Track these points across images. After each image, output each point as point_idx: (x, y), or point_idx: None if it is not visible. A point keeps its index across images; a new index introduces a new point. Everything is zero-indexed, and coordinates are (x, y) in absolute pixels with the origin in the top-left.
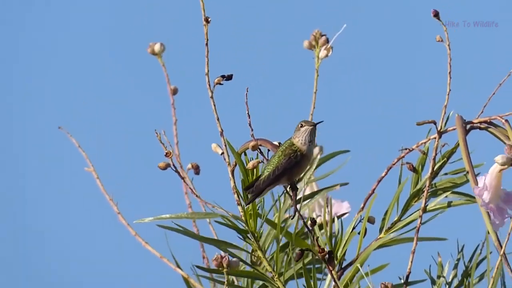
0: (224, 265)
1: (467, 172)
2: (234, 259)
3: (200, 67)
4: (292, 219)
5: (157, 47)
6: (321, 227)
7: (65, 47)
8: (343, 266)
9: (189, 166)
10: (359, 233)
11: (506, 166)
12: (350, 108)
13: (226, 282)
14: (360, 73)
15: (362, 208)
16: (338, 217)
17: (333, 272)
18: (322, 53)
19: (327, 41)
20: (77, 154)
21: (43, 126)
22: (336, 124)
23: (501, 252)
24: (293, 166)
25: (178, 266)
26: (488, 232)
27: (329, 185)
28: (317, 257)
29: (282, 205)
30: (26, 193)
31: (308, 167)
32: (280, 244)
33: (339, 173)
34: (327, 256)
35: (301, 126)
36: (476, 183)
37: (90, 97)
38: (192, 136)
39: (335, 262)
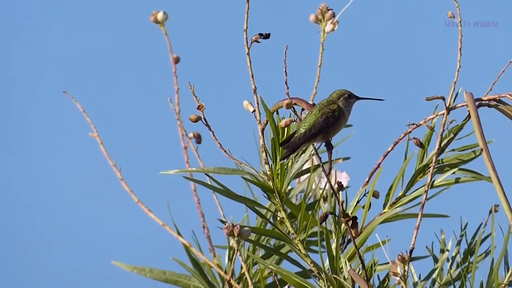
0: (235, 234)
1: (481, 150)
2: (246, 228)
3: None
4: (328, 176)
5: (160, 16)
6: (325, 199)
7: (70, 13)
8: (346, 240)
9: (191, 135)
10: (363, 207)
11: None
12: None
13: (237, 251)
14: (367, 48)
15: (367, 182)
16: (340, 189)
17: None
18: (328, 27)
19: (334, 15)
20: (82, 119)
21: (48, 90)
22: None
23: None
24: (330, 125)
25: (179, 234)
26: (493, 210)
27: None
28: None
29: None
30: (31, 158)
31: (341, 128)
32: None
33: (346, 148)
34: (351, 221)
35: (347, 96)
36: (491, 161)
37: (95, 64)
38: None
39: (357, 228)
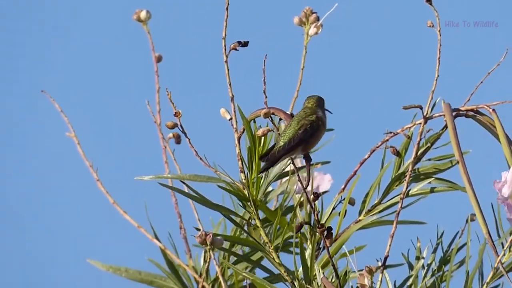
0: (208, 243)
1: (458, 162)
2: (219, 237)
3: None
4: (306, 188)
5: (143, 14)
6: (300, 205)
7: (48, 11)
8: (320, 246)
9: (170, 135)
10: (339, 214)
11: None
12: (337, 88)
13: (209, 260)
14: (348, 53)
15: (343, 189)
16: (319, 195)
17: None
18: (312, 30)
19: (318, 18)
20: (60, 119)
21: (26, 89)
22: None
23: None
24: (309, 136)
25: (156, 237)
26: (469, 220)
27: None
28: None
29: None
30: (6, 158)
31: (321, 138)
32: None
33: (323, 152)
34: (325, 231)
35: (319, 105)
36: (467, 173)
37: (74, 63)
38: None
39: (332, 238)
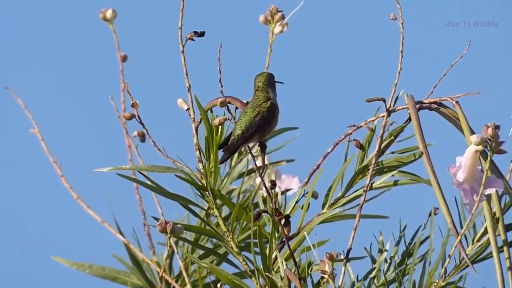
0: (168, 231)
1: (421, 153)
2: (178, 225)
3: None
4: (262, 176)
5: (108, 13)
6: (265, 201)
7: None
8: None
9: (135, 133)
10: (302, 207)
11: (480, 147)
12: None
13: (168, 247)
14: (312, 48)
15: (307, 182)
16: (283, 192)
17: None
18: (277, 28)
19: (283, 17)
20: (23, 115)
21: None
22: (285, 99)
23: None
24: (266, 123)
25: (120, 231)
26: (433, 213)
27: (276, 160)
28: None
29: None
30: None
31: (277, 124)
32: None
33: (286, 149)
34: (283, 219)
35: (269, 83)
36: (431, 164)
37: (39, 60)
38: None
39: (290, 227)
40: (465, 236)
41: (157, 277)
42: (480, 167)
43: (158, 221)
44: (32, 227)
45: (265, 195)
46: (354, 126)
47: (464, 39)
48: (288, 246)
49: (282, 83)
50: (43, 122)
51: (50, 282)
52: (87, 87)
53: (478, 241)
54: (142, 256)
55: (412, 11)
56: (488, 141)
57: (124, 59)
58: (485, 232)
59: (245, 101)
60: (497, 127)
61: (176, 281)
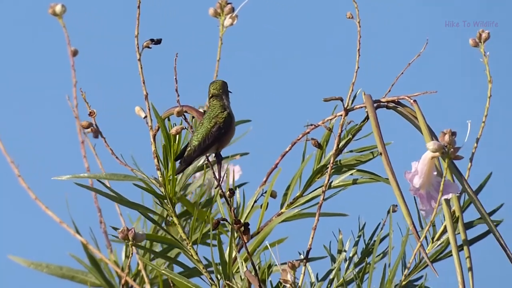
0: (130, 238)
1: (380, 154)
2: (140, 232)
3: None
4: (215, 188)
5: (58, 8)
6: (221, 195)
7: None
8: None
9: (88, 130)
10: (261, 207)
11: (437, 153)
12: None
13: (130, 254)
14: (267, 45)
15: (265, 181)
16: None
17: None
18: (227, 21)
19: (233, 9)
20: None
21: None
22: (240, 95)
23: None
24: (222, 134)
25: (77, 232)
26: (391, 211)
27: (229, 155)
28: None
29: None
30: None
31: (233, 134)
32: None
33: (244, 145)
34: (242, 227)
35: (224, 90)
36: (390, 164)
37: None
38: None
39: (249, 234)
40: (425, 237)
41: (115, 275)
42: (435, 173)
43: (119, 228)
44: None
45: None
46: (311, 125)
47: (464, 39)
48: (248, 253)
49: (230, 92)
50: None
51: (7, 281)
52: (41, 84)
53: (438, 239)
54: (100, 255)
55: (314, 10)
56: (445, 148)
57: (75, 53)
58: (445, 230)
59: (201, 110)
60: (453, 134)
61: (134, 280)
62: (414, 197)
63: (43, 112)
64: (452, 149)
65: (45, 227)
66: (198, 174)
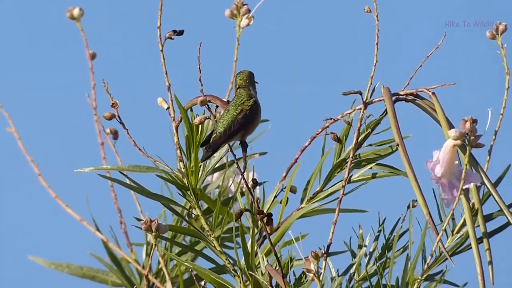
0: (153, 229)
1: (397, 145)
2: (163, 223)
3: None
4: (242, 174)
5: (76, 12)
6: (242, 193)
7: None
8: (262, 235)
9: (108, 131)
10: (280, 202)
11: (459, 141)
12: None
13: (154, 246)
14: (283, 43)
15: (285, 177)
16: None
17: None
18: (244, 22)
19: (249, 10)
20: None
21: None
22: (260, 92)
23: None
24: (249, 121)
25: (98, 229)
26: (411, 206)
27: (249, 154)
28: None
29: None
30: None
31: (259, 122)
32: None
33: (263, 142)
34: (265, 218)
35: (251, 81)
36: (407, 155)
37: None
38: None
39: (272, 225)
40: (445, 229)
41: (136, 274)
42: (457, 162)
43: (142, 220)
44: (9, 227)
45: (243, 189)
46: (330, 119)
47: (464, 39)
48: (271, 243)
49: (257, 83)
50: (19, 120)
51: (28, 282)
52: (61, 85)
53: (457, 232)
54: (121, 253)
55: (331, 5)
56: (466, 135)
57: (93, 57)
58: (464, 223)
59: (225, 100)
60: (474, 121)
61: (155, 278)
62: (433, 189)
63: (64, 112)
64: (473, 137)
65: (65, 226)
66: (216, 174)
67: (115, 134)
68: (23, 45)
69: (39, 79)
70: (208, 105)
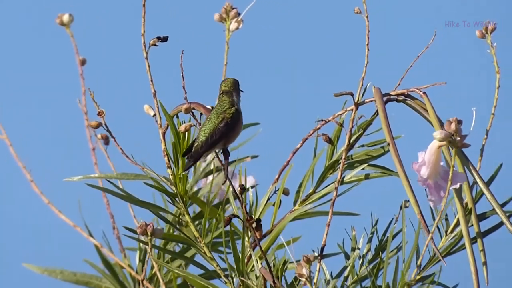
0: (149, 233)
1: (388, 144)
2: (159, 227)
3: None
4: (223, 184)
5: (65, 18)
6: (235, 197)
7: None
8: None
9: (99, 136)
10: (273, 205)
11: (444, 143)
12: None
13: (150, 250)
14: (274, 45)
15: (277, 179)
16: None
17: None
18: (233, 25)
19: (238, 14)
20: None
21: None
22: (250, 96)
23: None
24: (230, 129)
25: (91, 235)
26: (403, 206)
27: (239, 157)
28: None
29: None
30: None
31: (241, 131)
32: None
33: (254, 145)
34: (254, 223)
35: (235, 88)
36: (398, 155)
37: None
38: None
39: (261, 230)
40: (437, 227)
41: (130, 279)
42: (442, 162)
43: (131, 228)
44: (2, 234)
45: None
46: (322, 120)
47: (464, 39)
48: (261, 248)
49: (242, 91)
50: (11, 127)
51: None
52: (51, 92)
53: (451, 232)
54: (115, 259)
55: (320, 7)
56: (452, 136)
57: (83, 62)
58: (458, 223)
59: (209, 107)
60: (459, 122)
61: (149, 283)
62: (425, 189)
63: (54, 118)
64: (459, 138)
65: (58, 232)
66: (210, 177)
67: (106, 140)
68: (13, 50)
69: (30, 85)
70: (192, 112)
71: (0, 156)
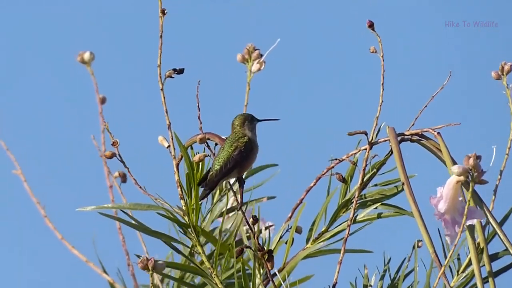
0: (150, 267)
1: (403, 184)
2: (160, 261)
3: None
4: (238, 211)
5: (86, 56)
6: (248, 237)
7: None
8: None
9: (116, 174)
10: (286, 242)
11: (462, 177)
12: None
13: (151, 284)
14: (292, 86)
15: (290, 217)
16: (254, 223)
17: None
18: (255, 67)
19: (260, 55)
20: (5, 157)
21: None
22: (267, 135)
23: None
24: (244, 158)
25: (104, 271)
26: (416, 246)
27: (256, 198)
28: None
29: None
30: None
31: (255, 159)
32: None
33: (269, 183)
34: (266, 255)
35: (250, 120)
36: (412, 194)
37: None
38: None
39: (273, 261)
40: (449, 267)
41: None
42: (461, 198)
43: (140, 259)
44: (16, 269)
45: (248, 231)
46: (336, 159)
47: (464, 39)
48: (272, 281)
49: (263, 120)
50: (25, 163)
51: None
52: (67, 129)
53: (463, 272)
54: None
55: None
56: (470, 171)
57: (103, 101)
58: (470, 263)
59: (224, 137)
60: (478, 158)
61: None
62: (438, 229)
63: (68, 155)
64: (476, 173)
65: (72, 268)
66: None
67: (123, 177)
68: (32, 85)
69: (47, 121)
70: (207, 143)
71: (14, 191)
